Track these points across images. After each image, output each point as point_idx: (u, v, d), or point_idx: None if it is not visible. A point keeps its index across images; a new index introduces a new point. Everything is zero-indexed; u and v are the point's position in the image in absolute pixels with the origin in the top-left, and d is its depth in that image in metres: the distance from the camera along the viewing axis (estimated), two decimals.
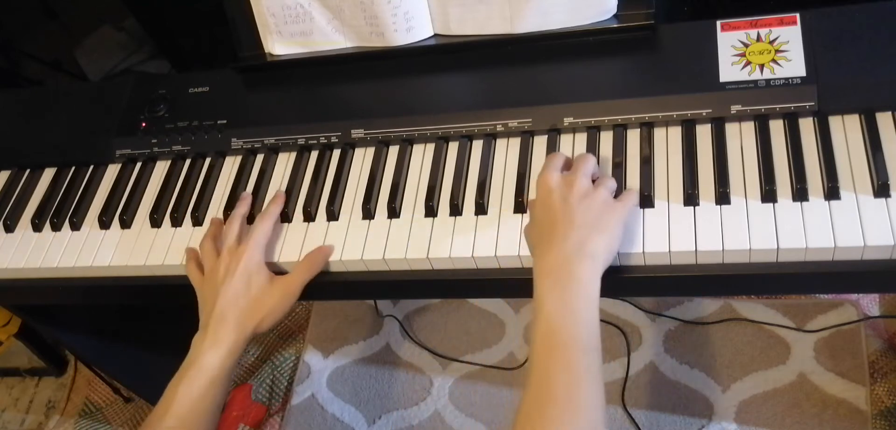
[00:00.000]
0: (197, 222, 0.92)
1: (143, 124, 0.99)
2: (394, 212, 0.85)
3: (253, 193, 0.91)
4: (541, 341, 0.65)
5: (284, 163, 0.94)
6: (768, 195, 0.73)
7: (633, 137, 0.82)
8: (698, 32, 0.83)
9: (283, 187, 0.91)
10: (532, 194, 0.80)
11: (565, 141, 0.84)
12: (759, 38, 0.80)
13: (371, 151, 0.91)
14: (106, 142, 1.01)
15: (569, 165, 0.78)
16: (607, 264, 0.70)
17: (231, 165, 0.96)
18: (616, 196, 0.75)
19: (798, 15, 0.80)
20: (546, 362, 0.64)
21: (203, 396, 0.77)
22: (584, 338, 0.64)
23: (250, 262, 0.82)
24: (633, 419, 1.35)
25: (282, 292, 0.82)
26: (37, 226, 0.98)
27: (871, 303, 1.39)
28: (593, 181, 0.75)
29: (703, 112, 0.80)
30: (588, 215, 0.70)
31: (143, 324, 1.48)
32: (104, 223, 0.95)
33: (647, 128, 0.82)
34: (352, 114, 0.91)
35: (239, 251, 0.82)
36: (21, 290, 0.98)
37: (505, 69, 0.89)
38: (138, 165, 1.00)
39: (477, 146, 0.87)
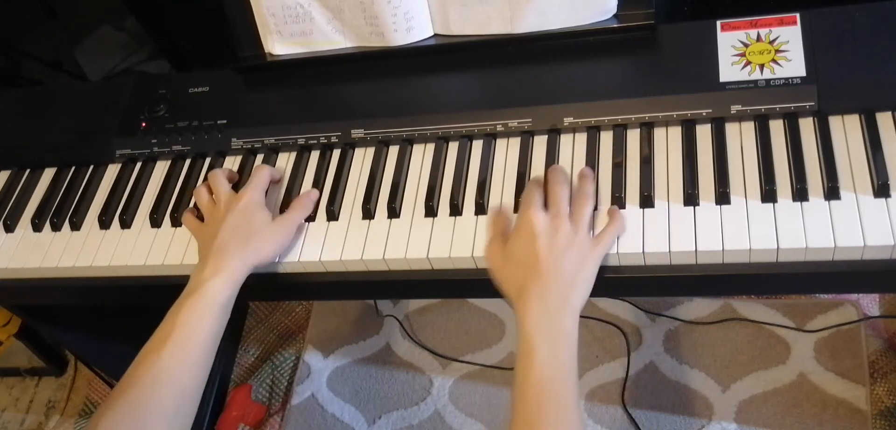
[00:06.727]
0: None
1: (143, 124, 0.99)
2: (394, 212, 0.85)
3: None
4: (533, 389, 0.67)
5: (284, 163, 0.94)
6: (768, 195, 0.73)
7: (633, 137, 0.82)
8: (698, 32, 0.83)
9: (284, 187, 0.91)
10: None
11: (565, 141, 0.84)
12: (759, 38, 0.80)
13: (371, 151, 0.91)
14: (106, 142, 1.01)
15: (541, 185, 0.78)
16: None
17: (231, 166, 0.96)
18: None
19: (798, 15, 0.80)
20: (538, 413, 0.66)
21: (203, 322, 0.77)
22: (570, 394, 0.67)
23: (251, 201, 0.84)
24: (632, 419, 1.35)
25: (282, 229, 0.84)
26: (37, 226, 0.98)
27: (871, 303, 1.39)
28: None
29: (703, 112, 0.80)
30: (571, 265, 0.72)
31: (143, 324, 1.47)
32: (104, 223, 0.95)
33: (647, 128, 0.82)
34: (352, 114, 0.91)
35: (240, 193, 0.85)
36: (21, 290, 0.98)
37: (505, 69, 0.89)
38: (138, 165, 1.00)
39: (477, 146, 0.87)
